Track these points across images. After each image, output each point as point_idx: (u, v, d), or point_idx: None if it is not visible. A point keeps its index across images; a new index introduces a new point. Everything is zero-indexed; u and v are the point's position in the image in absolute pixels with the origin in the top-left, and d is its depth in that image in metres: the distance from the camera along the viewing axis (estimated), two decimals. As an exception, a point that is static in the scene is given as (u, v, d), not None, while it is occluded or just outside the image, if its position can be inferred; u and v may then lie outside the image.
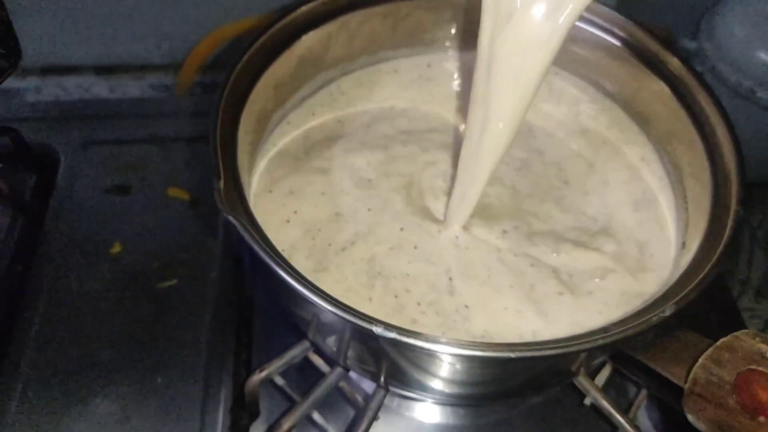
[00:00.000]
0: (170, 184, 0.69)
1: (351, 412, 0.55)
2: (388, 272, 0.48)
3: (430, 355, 0.40)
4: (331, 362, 0.52)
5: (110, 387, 0.56)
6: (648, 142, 0.57)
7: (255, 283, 0.63)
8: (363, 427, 0.49)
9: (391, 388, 0.49)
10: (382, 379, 0.48)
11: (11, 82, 0.55)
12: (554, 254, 0.50)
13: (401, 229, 0.50)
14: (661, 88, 0.54)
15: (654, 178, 0.55)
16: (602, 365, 0.54)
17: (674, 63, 0.53)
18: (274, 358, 0.51)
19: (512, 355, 0.37)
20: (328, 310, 0.38)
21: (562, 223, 0.53)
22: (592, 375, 0.52)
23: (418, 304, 0.47)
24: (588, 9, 0.55)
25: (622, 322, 0.39)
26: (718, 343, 0.35)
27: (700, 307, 0.41)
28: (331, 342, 0.47)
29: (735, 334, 0.35)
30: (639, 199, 0.54)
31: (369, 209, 0.51)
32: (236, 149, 0.46)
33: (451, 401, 0.56)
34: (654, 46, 0.54)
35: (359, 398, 0.53)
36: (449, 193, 0.52)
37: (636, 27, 0.55)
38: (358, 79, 0.60)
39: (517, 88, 0.43)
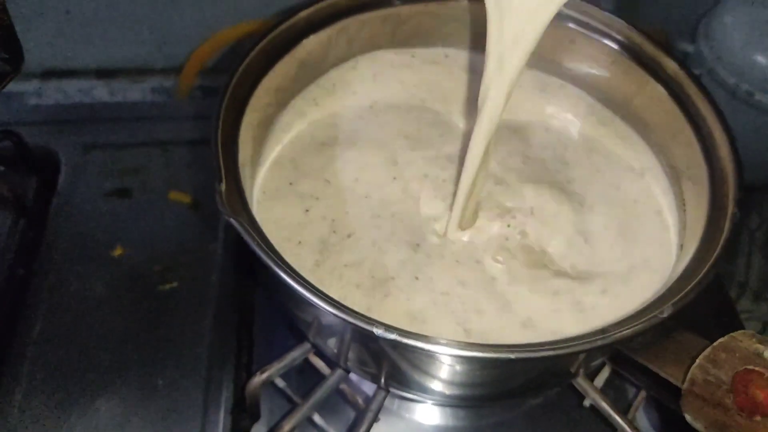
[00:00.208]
0: (171, 188, 0.69)
1: (351, 414, 0.55)
2: (392, 279, 0.48)
3: (431, 356, 0.40)
4: (331, 364, 0.53)
5: (111, 389, 0.56)
6: (645, 145, 0.58)
7: (255, 286, 0.64)
8: (363, 428, 0.49)
9: (392, 390, 0.49)
10: (382, 380, 0.48)
11: (12, 86, 0.56)
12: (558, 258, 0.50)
13: (406, 235, 0.50)
14: (659, 91, 0.54)
15: (651, 180, 0.56)
16: (601, 367, 0.54)
17: (671, 66, 0.53)
18: (275, 360, 0.52)
19: (512, 356, 0.37)
20: (329, 311, 0.38)
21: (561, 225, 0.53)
22: (591, 377, 0.52)
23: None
24: (586, 13, 0.56)
25: (620, 323, 0.40)
26: (715, 343, 0.36)
27: (699, 309, 0.41)
28: (331, 344, 0.47)
29: (732, 334, 0.35)
30: (637, 201, 0.54)
31: (372, 214, 0.52)
32: (237, 152, 0.47)
33: (451, 402, 0.56)
34: (651, 50, 0.54)
35: (360, 400, 0.53)
36: (452, 195, 0.52)
37: (634, 31, 0.55)
38: (354, 79, 0.61)
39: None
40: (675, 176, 0.54)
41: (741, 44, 0.73)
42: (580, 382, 0.50)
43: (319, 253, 0.49)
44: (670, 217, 0.53)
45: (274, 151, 0.55)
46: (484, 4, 0.57)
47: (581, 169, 0.57)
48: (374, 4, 0.57)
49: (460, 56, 0.63)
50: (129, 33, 0.83)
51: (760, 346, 0.34)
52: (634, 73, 0.56)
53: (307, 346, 0.51)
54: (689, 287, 0.40)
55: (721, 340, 0.36)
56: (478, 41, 0.61)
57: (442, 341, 0.37)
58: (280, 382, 0.54)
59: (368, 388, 0.55)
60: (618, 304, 0.48)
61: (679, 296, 0.40)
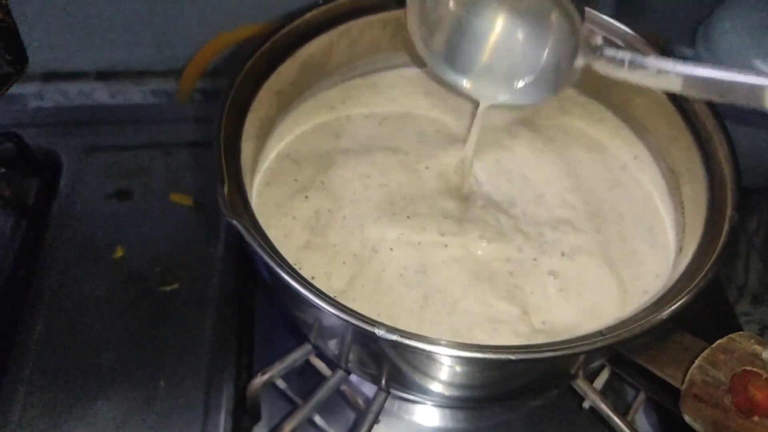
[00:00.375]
0: (172, 190, 0.70)
1: (352, 416, 0.55)
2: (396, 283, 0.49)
3: (432, 357, 0.40)
4: (332, 365, 0.53)
5: (112, 390, 0.56)
6: (644, 148, 0.58)
7: (256, 287, 0.64)
8: (364, 429, 0.49)
9: (392, 391, 0.50)
10: (383, 381, 0.48)
11: (14, 88, 0.56)
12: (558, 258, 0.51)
13: (405, 237, 0.51)
14: (658, 94, 0.54)
15: (650, 183, 0.56)
16: (600, 369, 0.55)
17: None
18: (276, 361, 0.52)
19: (512, 357, 0.38)
20: (331, 312, 0.38)
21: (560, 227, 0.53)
22: (591, 378, 0.53)
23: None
24: (586, 17, 0.56)
25: (619, 324, 0.40)
26: (714, 345, 0.36)
27: (697, 312, 0.41)
28: (333, 345, 0.47)
29: (730, 336, 0.36)
30: (636, 204, 0.55)
31: (370, 217, 0.52)
32: (239, 155, 0.47)
33: (451, 404, 0.57)
34: (650, 54, 0.55)
35: (360, 401, 0.53)
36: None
37: (633, 35, 0.55)
38: (360, 85, 0.61)
39: None
40: (673, 179, 0.54)
41: (739, 49, 0.73)
42: (580, 384, 0.50)
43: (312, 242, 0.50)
44: (669, 220, 0.53)
45: (274, 153, 0.56)
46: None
47: (579, 171, 0.57)
48: (375, 7, 0.57)
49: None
50: (130, 36, 0.83)
51: (759, 348, 0.35)
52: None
53: (308, 347, 0.52)
54: (688, 289, 0.41)
55: (719, 341, 0.36)
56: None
57: (442, 342, 0.38)
58: (281, 383, 0.54)
59: (368, 389, 0.55)
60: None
61: (678, 298, 0.40)
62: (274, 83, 0.53)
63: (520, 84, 0.53)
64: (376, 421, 0.50)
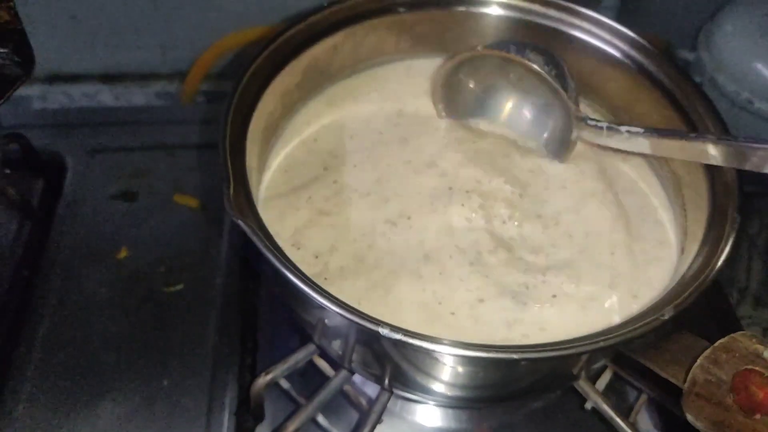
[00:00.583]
0: (176, 191, 0.70)
1: (355, 416, 0.56)
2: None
3: (435, 357, 0.41)
4: (335, 366, 0.53)
5: (116, 390, 0.57)
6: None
7: (259, 288, 0.64)
8: (367, 430, 0.50)
9: (395, 391, 0.50)
10: (386, 381, 0.48)
11: (18, 90, 0.57)
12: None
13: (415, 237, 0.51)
14: (659, 97, 0.55)
15: (652, 186, 0.56)
16: (602, 370, 0.55)
17: (672, 73, 0.54)
18: (280, 361, 0.52)
19: (516, 356, 0.38)
20: (336, 312, 0.39)
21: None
22: (593, 379, 0.53)
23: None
24: (588, 19, 0.57)
25: (622, 325, 0.40)
26: (716, 344, 0.36)
27: (699, 314, 0.42)
28: (336, 345, 0.48)
29: (732, 335, 0.36)
30: (639, 206, 0.55)
31: (377, 216, 0.52)
32: (245, 156, 0.47)
33: (454, 404, 0.57)
34: (652, 57, 0.55)
35: (363, 401, 0.53)
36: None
37: (635, 38, 0.56)
38: (363, 83, 0.61)
39: None
40: (675, 181, 0.54)
41: (741, 52, 0.74)
42: (582, 385, 0.50)
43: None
44: (670, 221, 0.54)
45: (280, 155, 0.56)
46: (488, 12, 0.58)
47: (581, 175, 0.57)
48: (379, 11, 0.58)
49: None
50: (134, 38, 0.84)
51: (760, 347, 0.35)
52: (635, 80, 0.56)
53: (311, 347, 0.52)
54: (690, 290, 0.41)
55: (721, 340, 0.36)
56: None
57: (446, 342, 0.38)
58: (285, 383, 0.54)
59: (371, 390, 0.56)
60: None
61: (680, 299, 0.41)
62: (279, 85, 0.53)
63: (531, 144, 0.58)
64: (379, 421, 0.50)
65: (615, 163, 0.58)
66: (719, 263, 0.42)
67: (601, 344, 0.39)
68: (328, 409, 0.53)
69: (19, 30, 0.47)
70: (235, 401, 0.57)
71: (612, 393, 0.57)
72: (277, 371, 0.52)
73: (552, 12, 0.58)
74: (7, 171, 0.69)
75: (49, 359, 0.58)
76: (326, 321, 0.44)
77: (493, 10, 0.59)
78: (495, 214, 0.53)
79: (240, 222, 0.41)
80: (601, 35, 0.57)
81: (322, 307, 0.39)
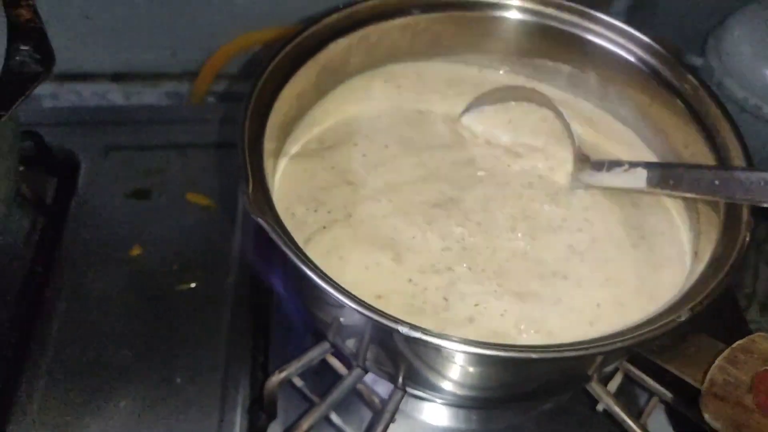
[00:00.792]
0: (189, 190, 0.70)
1: (368, 414, 0.56)
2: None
3: (452, 356, 0.41)
4: (348, 364, 0.53)
5: (129, 387, 0.57)
6: (656, 156, 0.59)
7: (272, 287, 0.64)
8: (380, 428, 0.50)
9: (409, 390, 0.50)
10: (400, 380, 0.49)
11: (31, 88, 0.57)
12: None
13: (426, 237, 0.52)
14: (673, 102, 0.55)
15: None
16: (614, 372, 0.55)
17: (686, 78, 0.54)
18: (293, 359, 0.52)
19: (534, 356, 0.38)
20: (356, 309, 0.39)
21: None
22: (605, 381, 0.53)
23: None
24: (602, 23, 0.57)
25: (639, 326, 0.41)
26: (734, 345, 0.37)
27: (710, 318, 0.42)
28: (351, 343, 0.48)
29: (750, 336, 0.36)
30: (652, 208, 0.55)
31: (388, 214, 0.53)
32: (262, 155, 0.48)
33: (466, 403, 0.57)
34: (666, 62, 0.55)
35: (376, 400, 0.54)
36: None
37: (648, 42, 0.56)
38: (376, 83, 0.62)
39: None
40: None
41: (750, 58, 0.74)
42: (594, 387, 0.50)
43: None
44: (684, 223, 0.54)
45: (292, 151, 0.57)
46: (502, 15, 0.59)
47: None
48: (394, 13, 0.58)
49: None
50: (145, 38, 0.84)
51: (778, 348, 0.35)
52: (648, 85, 0.57)
53: (326, 345, 0.52)
54: (707, 291, 0.41)
55: (739, 342, 0.37)
56: (495, 51, 0.62)
57: (466, 341, 0.38)
58: (298, 381, 0.54)
59: (383, 389, 0.56)
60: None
61: (696, 300, 0.41)
62: (295, 85, 0.54)
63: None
64: (392, 420, 0.50)
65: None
66: (734, 265, 0.43)
67: (619, 345, 0.39)
68: (341, 407, 0.53)
69: (39, 28, 0.48)
70: (247, 399, 0.57)
71: (622, 396, 0.57)
72: (291, 369, 0.52)
73: (566, 15, 0.58)
74: (21, 168, 0.69)
75: (63, 356, 0.58)
76: (342, 319, 0.45)
77: (510, 14, 0.59)
78: (505, 218, 0.53)
79: (260, 220, 0.41)
80: (615, 39, 0.57)
81: (341, 305, 0.40)
